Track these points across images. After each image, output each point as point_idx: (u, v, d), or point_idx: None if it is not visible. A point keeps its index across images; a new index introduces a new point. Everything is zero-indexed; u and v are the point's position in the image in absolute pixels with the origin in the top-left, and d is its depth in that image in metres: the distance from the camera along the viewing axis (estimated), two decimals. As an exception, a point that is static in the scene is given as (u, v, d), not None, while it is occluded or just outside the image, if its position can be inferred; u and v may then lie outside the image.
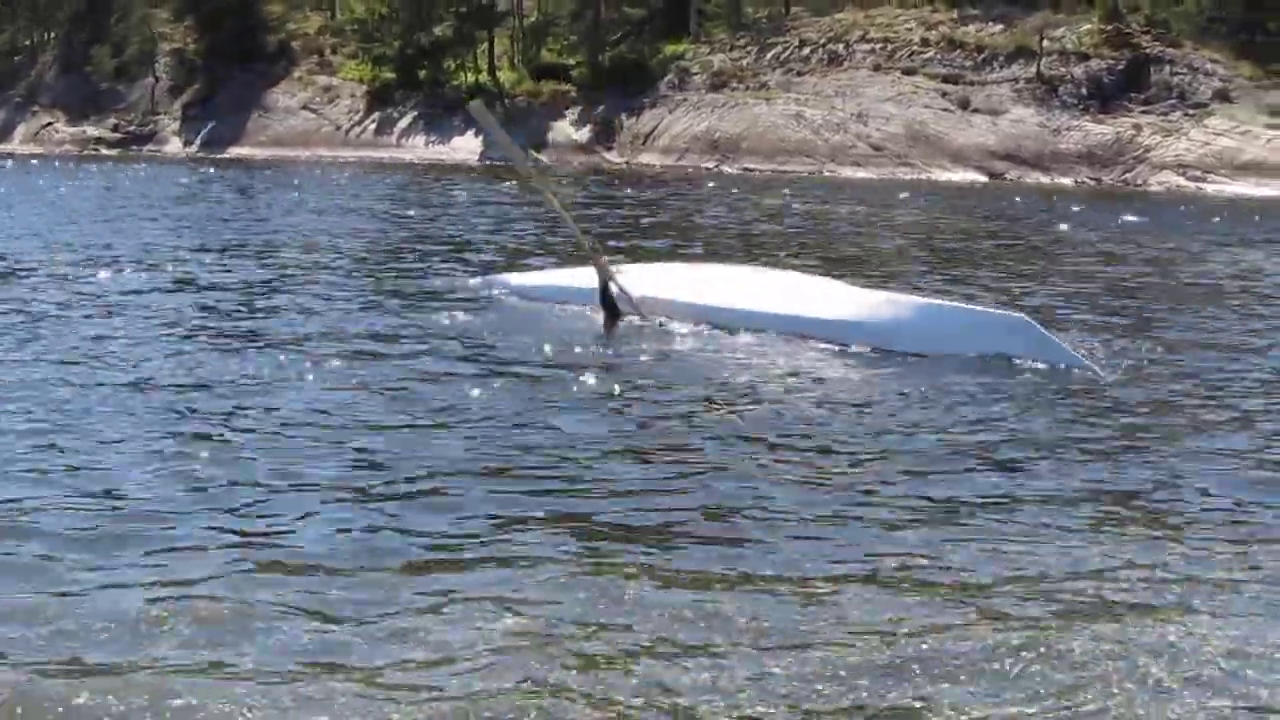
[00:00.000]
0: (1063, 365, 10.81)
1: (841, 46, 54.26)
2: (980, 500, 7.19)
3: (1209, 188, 43.01)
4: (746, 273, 14.15)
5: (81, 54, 69.90)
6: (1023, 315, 11.63)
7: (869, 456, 8.11)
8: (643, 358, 11.07)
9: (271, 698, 4.71)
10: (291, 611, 5.44)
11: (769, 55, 55.23)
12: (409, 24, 61.03)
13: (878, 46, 53.44)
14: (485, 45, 61.21)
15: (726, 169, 49.49)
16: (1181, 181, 44.18)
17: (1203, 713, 4.79)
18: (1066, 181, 45.24)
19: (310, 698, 4.71)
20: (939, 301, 12.70)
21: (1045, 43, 50.16)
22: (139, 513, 6.72)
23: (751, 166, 49.47)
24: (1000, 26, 52.20)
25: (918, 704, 4.80)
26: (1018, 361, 10.86)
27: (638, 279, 13.11)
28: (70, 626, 5.26)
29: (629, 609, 5.56)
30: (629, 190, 36.44)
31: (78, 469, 7.47)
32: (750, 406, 9.53)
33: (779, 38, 56.09)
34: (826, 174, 47.44)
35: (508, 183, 36.31)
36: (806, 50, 54.83)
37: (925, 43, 52.70)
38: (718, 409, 9.37)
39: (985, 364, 10.88)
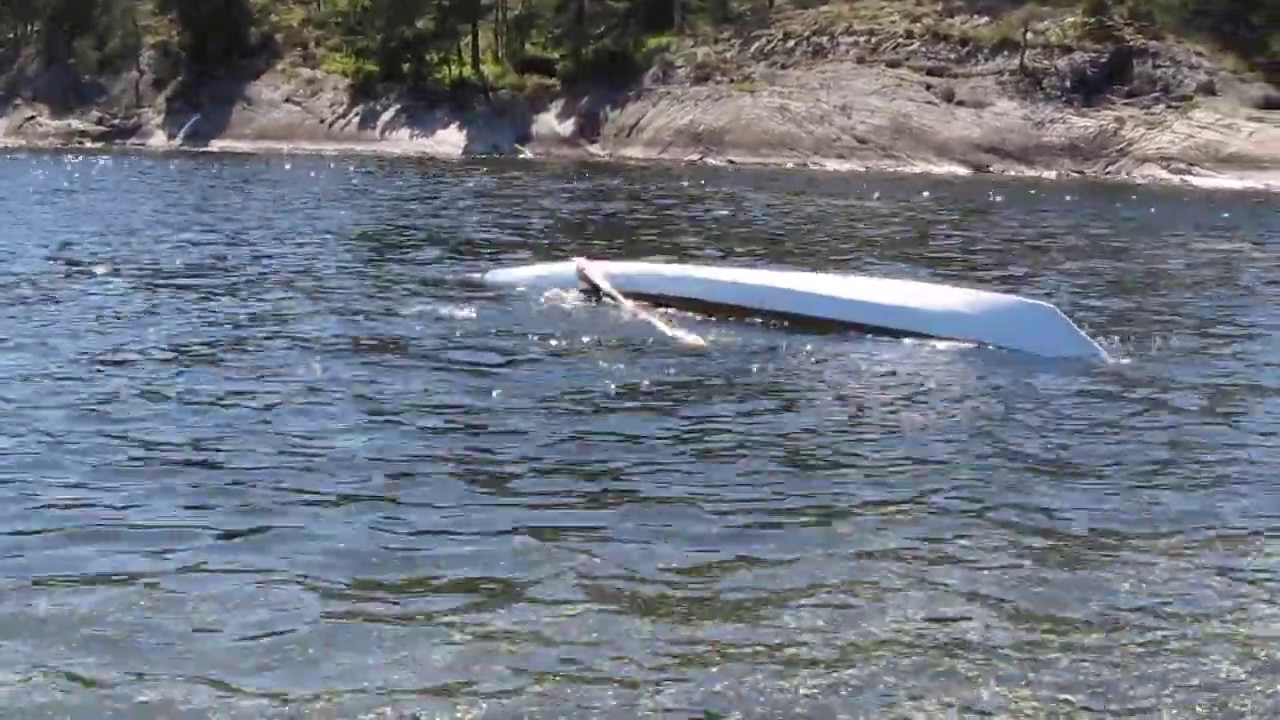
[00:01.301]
0: (1083, 354, 10.82)
1: (826, 39, 54.23)
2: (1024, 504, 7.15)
3: (1192, 180, 43.06)
4: (768, 272, 14.23)
5: (65, 47, 69.61)
6: (1048, 304, 11.63)
7: (907, 455, 8.10)
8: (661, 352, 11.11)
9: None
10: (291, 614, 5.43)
11: (753, 48, 55.18)
12: (392, 17, 60.81)
13: (862, 39, 53.41)
14: (469, 38, 61.07)
15: (711, 161, 49.44)
16: (1165, 174, 44.24)
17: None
18: (1050, 174, 45.28)
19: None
20: (964, 289, 12.70)
21: (1029, 35, 50.20)
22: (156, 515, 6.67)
23: (735, 159, 49.43)
24: (985, 19, 52.20)
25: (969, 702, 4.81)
26: (1037, 351, 10.87)
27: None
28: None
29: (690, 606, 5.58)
30: (618, 182, 36.42)
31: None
32: (801, 401, 9.51)
33: (763, 30, 56.05)
34: (811, 167, 47.42)
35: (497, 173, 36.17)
36: (791, 43, 54.80)
37: (910, 35, 52.69)
38: (762, 400, 9.42)
39: (1009, 355, 10.92)
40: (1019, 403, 9.45)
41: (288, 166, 43.61)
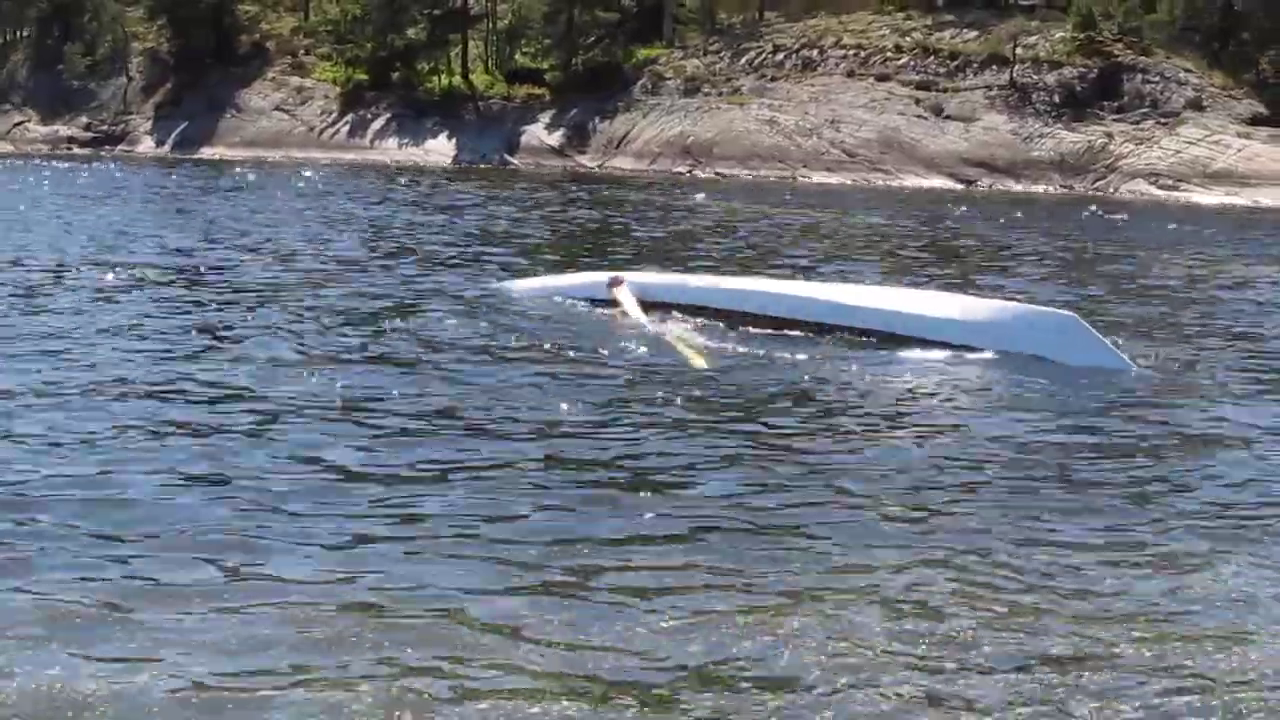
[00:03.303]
0: (1107, 363, 10.82)
1: (815, 52, 54.27)
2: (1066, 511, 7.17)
3: (1180, 196, 43.12)
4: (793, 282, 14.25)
5: (54, 52, 69.51)
6: (1071, 313, 11.62)
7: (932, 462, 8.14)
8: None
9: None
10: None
11: (743, 60, 55.19)
12: (382, 26, 60.78)
13: (851, 52, 53.44)
14: (459, 48, 61.07)
15: (699, 174, 49.44)
16: (1153, 190, 44.29)
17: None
18: (1038, 189, 45.31)
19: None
20: (989, 299, 12.70)
21: (1018, 50, 50.24)
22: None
23: (724, 171, 49.43)
24: (974, 33, 52.26)
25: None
26: (1061, 360, 10.87)
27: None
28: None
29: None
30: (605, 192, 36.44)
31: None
32: (819, 412, 9.54)
33: (753, 43, 56.07)
34: (799, 179, 47.42)
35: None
36: (780, 56, 54.82)
37: (899, 49, 52.73)
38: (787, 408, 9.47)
39: (1033, 363, 10.92)
40: (1041, 413, 9.50)
41: (252, 177, 43.36)
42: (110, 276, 15.27)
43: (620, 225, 26.66)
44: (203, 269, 16.69)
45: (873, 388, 10.33)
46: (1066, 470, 8.00)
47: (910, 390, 10.32)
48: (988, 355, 11.15)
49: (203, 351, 10.93)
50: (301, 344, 11.27)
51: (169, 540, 6.28)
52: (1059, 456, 8.31)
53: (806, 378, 10.47)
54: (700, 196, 35.76)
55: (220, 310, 13.23)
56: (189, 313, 13.07)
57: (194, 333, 11.86)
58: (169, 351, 10.85)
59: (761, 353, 11.36)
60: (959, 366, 10.98)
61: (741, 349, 11.48)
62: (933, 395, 10.14)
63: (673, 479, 7.62)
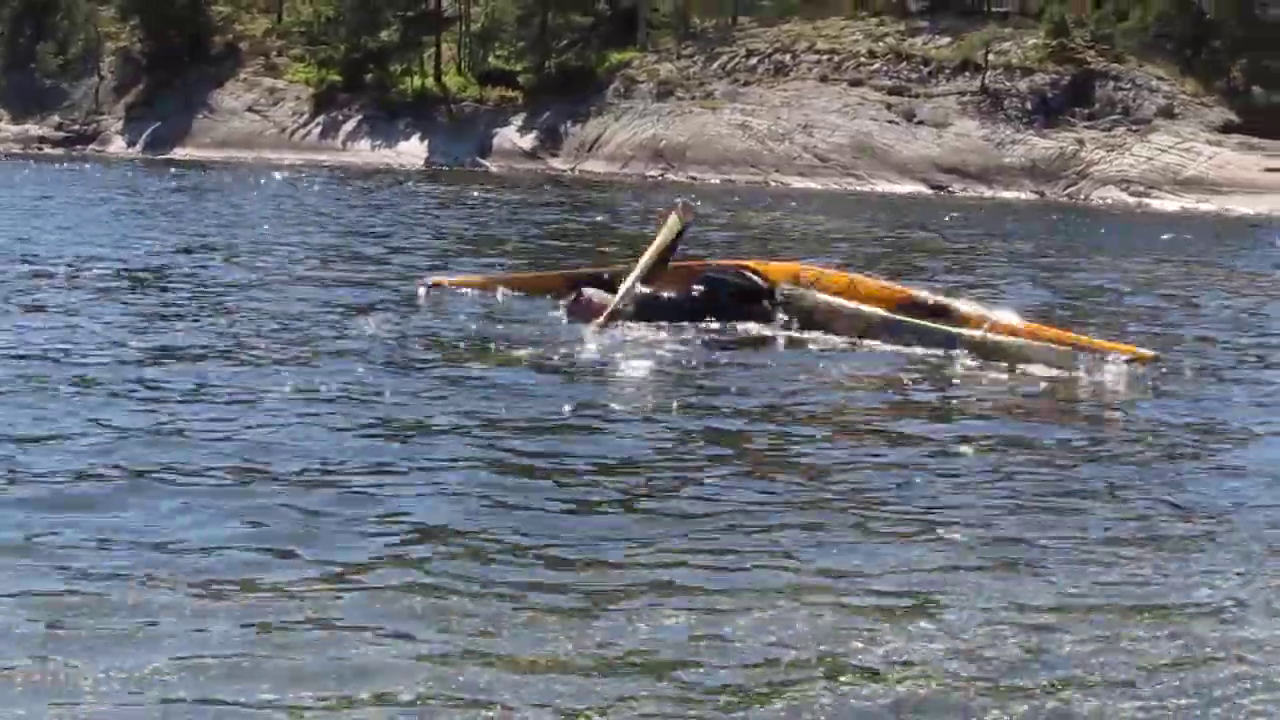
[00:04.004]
0: None
1: (788, 57, 54.28)
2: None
3: (1150, 203, 43.26)
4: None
5: (26, 51, 69.22)
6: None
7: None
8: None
9: None
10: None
11: (715, 65, 55.18)
12: (355, 27, 60.71)
13: (824, 58, 53.47)
14: (432, 50, 60.95)
15: (672, 177, 49.43)
16: (1124, 197, 44.42)
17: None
18: (1010, 195, 45.38)
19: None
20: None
21: (991, 56, 50.32)
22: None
23: (697, 175, 49.44)
24: (947, 39, 52.35)
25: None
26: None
27: None
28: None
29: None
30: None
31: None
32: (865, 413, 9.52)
33: (726, 47, 56.06)
34: (772, 184, 47.43)
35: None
36: (753, 60, 54.83)
37: (872, 54, 52.78)
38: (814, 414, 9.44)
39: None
40: (1031, 409, 9.58)
41: (228, 179, 43.20)
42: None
43: (594, 226, 26.61)
44: (149, 269, 16.47)
45: (842, 386, 10.35)
46: (1061, 466, 8.05)
47: (885, 390, 10.28)
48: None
49: (150, 353, 10.78)
50: (251, 345, 11.10)
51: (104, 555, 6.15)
52: (1052, 453, 8.35)
53: (784, 376, 10.48)
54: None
55: (174, 315, 12.97)
56: (133, 313, 12.87)
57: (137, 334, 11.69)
58: (111, 352, 10.70)
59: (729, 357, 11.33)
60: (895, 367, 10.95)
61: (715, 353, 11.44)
62: (906, 393, 10.11)
63: (654, 476, 7.57)
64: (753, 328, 12.06)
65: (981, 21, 53.38)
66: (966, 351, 11.11)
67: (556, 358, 10.82)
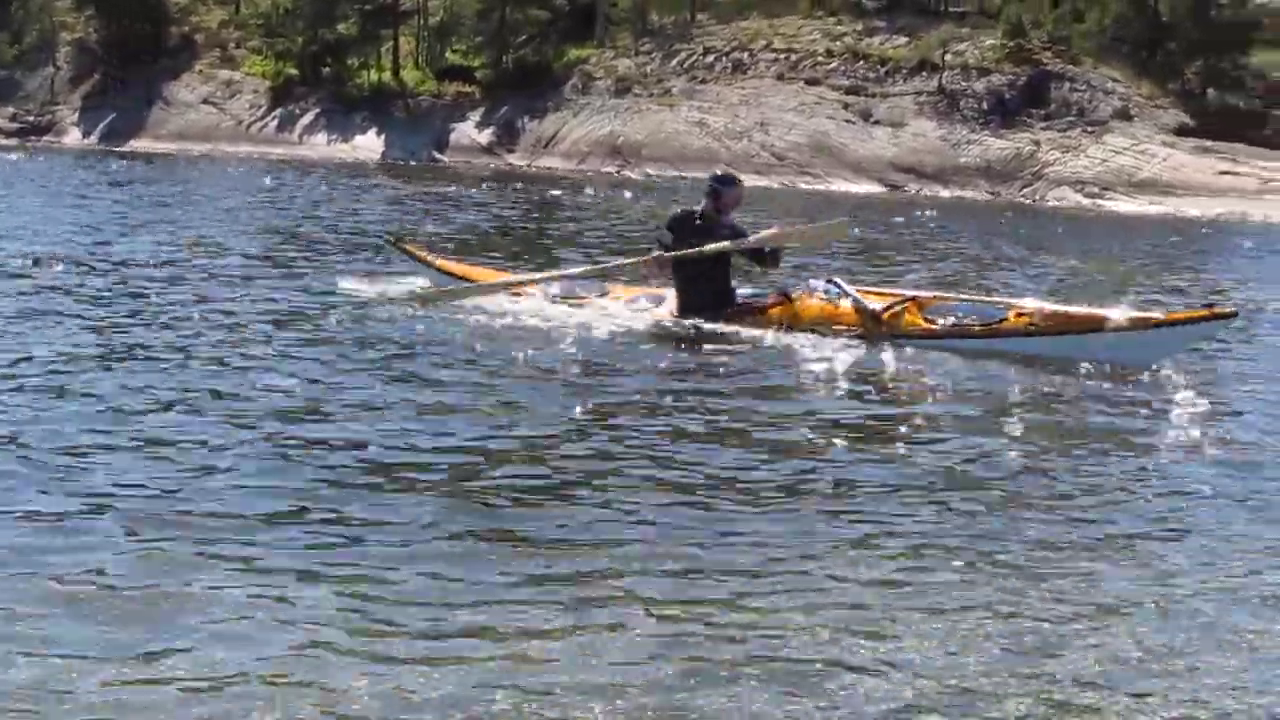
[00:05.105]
0: None
1: (746, 55, 54.29)
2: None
3: (1106, 204, 43.41)
4: None
5: (-17, 41, 68.86)
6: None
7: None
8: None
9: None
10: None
11: (673, 62, 55.16)
12: (313, 20, 60.47)
13: (782, 56, 53.50)
14: (390, 44, 60.77)
15: (629, 174, 49.38)
16: (1079, 198, 44.57)
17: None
18: (965, 195, 45.47)
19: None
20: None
21: (948, 57, 50.42)
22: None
23: (653, 172, 49.39)
24: (904, 39, 52.43)
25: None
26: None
27: None
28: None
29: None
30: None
31: None
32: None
33: (684, 44, 56.03)
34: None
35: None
36: (711, 58, 54.81)
37: (829, 53, 52.83)
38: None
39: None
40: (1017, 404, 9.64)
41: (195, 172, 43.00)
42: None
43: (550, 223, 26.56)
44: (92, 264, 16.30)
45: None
46: (1046, 465, 8.11)
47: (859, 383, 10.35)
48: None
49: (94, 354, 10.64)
50: (206, 345, 10.96)
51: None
52: (1038, 453, 8.40)
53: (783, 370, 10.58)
54: (628, 195, 35.80)
55: (123, 318, 12.78)
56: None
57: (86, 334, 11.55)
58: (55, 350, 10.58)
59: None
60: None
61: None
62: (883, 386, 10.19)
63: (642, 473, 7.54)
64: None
65: (939, 21, 53.47)
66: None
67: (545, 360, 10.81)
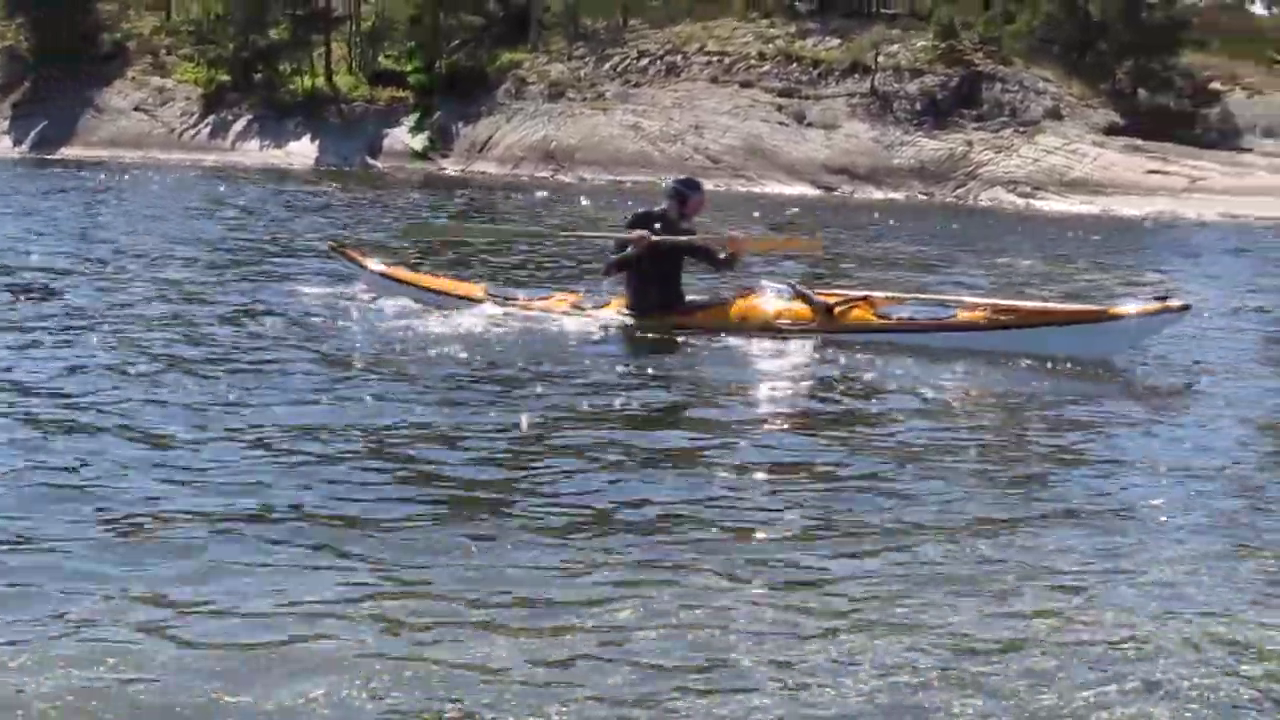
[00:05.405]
0: None
1: (679, 58, 54.29)
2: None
3: (1037, 204, 43.64)
4: None
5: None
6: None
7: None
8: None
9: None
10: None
11: (607, 66, 55.10)
12: (244, 26, 60.07)
13: (715, 59, 53.52)
14: (322, 49, 60.45)
15: (562, 178, 49.32)
16: (1012, 198, 44.79)
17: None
18: (899, 196, 45.60)
19: None
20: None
21: (880, 58, 50.54)
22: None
23: (587, 176, 49.34)
24: (836, 41, 52.54)
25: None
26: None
27: None
28: None
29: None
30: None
31: None
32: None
33: (617, 49, 55.97)
34: (663, 185, 47.30)
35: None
36: (644, 61, 54.79)
37: (762, 56, 52.87)
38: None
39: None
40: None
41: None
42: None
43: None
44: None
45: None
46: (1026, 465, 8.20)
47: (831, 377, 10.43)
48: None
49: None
50: (153, 354, 10.84)
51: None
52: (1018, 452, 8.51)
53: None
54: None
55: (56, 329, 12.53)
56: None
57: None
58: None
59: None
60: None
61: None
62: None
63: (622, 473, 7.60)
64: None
65: (870, 23, 53.62)
66: None
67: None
